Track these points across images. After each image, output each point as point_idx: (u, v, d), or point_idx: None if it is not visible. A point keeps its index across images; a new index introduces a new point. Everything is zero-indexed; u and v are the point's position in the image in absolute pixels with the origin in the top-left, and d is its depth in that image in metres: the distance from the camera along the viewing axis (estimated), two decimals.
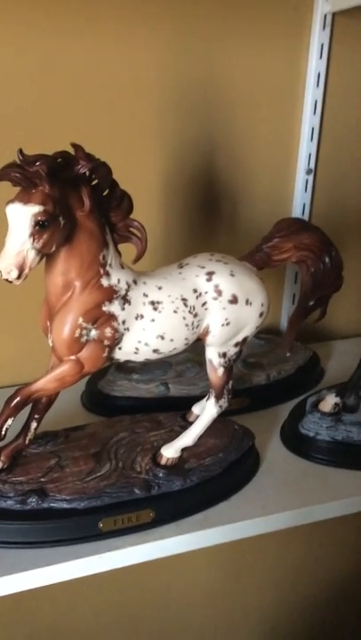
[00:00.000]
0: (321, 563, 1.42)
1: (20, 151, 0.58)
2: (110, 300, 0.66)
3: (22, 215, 0.57)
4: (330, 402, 0.88)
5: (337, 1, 1.01)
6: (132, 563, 0.70)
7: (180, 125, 1.02)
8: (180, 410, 0.85)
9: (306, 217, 1.14)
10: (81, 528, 0.69)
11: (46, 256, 0.62)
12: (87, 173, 0.61)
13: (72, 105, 0.95)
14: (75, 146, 0.60)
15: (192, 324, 0.69)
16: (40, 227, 0.58)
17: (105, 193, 0.65)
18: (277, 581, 1.42)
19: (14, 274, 0.57)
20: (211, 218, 1.09)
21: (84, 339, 0.65)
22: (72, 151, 0.60)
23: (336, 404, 0.88)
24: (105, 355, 0.67)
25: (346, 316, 1.27)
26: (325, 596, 1.46)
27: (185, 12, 0.97)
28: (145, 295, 0.68)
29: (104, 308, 0.65)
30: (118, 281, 0.66)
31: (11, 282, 0.58)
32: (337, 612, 1.49)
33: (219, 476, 0.76)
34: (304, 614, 1.47)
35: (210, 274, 0.70)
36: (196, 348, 0.75)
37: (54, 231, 0.59)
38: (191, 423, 0.78)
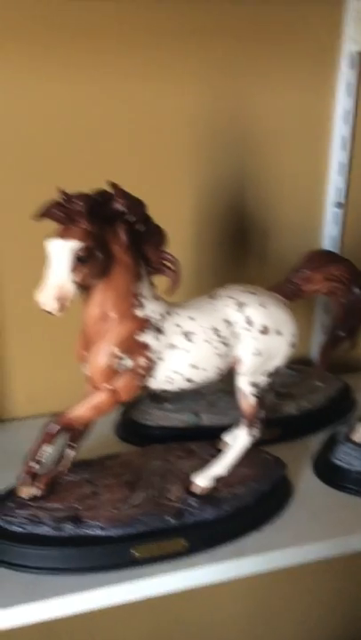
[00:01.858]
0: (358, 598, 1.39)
1: (62, 190, 0.61)
2: (144, 331, 0.68)
3: (63, 250, 0.60)
4: None
5: None
6: (165, 591, 0.70)
7: (210, 161, 1.05)
8: (211, 439, 0.86)
9: (336, 250, 1.15)
10: (115, 555, 0.70)
11: (83, 288, 0.65)
12: (124, 210, 0.64)
13: (107, 143, 0.98)
14: (112, 184, 0.64)
15: (224, 353, 0.71)
16: (80, 261, 0.61)
17: (140, 228, 0.67)
18: (312, 616, 1.39)
19: (55, 305, 0.60)
20: (241, 250, 1.12)
21: (119, 368, 0.67)
22: (110, 189, 0.64)
23: None
24: (139, 384, 0.69)
25: None
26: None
27: (215, 51, 1.01)
28: (178, 326, 0.70)
29: (138, 338, 0.67)
30: (152, 312, 0.69)
31: (51, 313, 0.61)
32: None
33: (251, 506, 0.77)
34: None
35: (241, 305, 0.72)
36: (227, 378, 0.76)
37: (92, 265, 0.62)
38: (222, 452, 0.78)
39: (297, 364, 1.13)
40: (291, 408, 1.00)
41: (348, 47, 1.06)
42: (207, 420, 0.96)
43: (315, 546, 0.75)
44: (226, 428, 0.85)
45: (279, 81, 1.06)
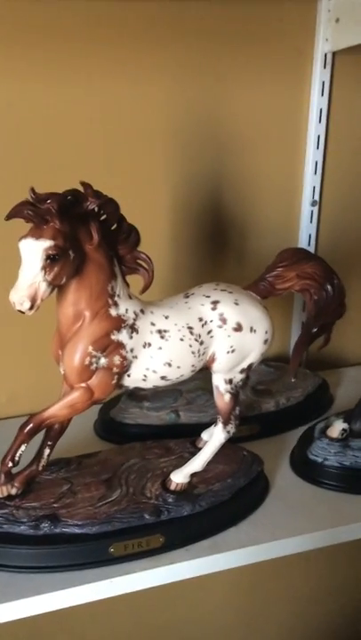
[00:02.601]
0: (341, 590, 1.41)
1: (32, 190, 0.61)
2: (119, 329, 0.68)
3: (34, 249, 0.61)
4: (338, 428, 0.89)
5: (336, 41, 1.05)
6: (142, 587, 0.71)
7: (186, 161, 1.06)
8: (190, 437, 0.86)
9: (312, 247, 1.16)
10: (92, 553, 0.70)
11: (57, 288, 0.65)
12: (96, 209, 0.65)
13: (82, 144, 0.99)
14: (84, 184, 0.64)
15: (198, 351, 0.72)
16: (51, 260, 0.61)
17: (113, 227, 0.68)
18: (296, 609, 1.40)
19: (27, 305, 0.60)
20: (218, 249, 1.13)
21: (93, 366, 0.68)
22: (81, 189, 0.64)
23: (344, 430, 0.89)
24: (114, 382, 0.70)
25: (355, 344, 1.29)
26: (345, 622, 1.44)
27: (191, 53, 1.01)
28: (152, 324, 0.70)
29: (113, 337, 0.68)
30: (126, 310, 0.69)
31: (23, 312, 0.61)
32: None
33: (228, 502, 0.77)
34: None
35: (215, 303, 0.73)
36: (206, 375, 0.77)
37: (64, 264, 0.62)
38: (200, 449, 0.79)
39: (275, 360, 1.14)
40: (269, 405, 1.01)
41: (321, 47, 1.07)
42: (186, 417, 0.97)
43: (291, 540, 0.76)
44: (204, 425, 0.85)
45: (254, 80, 1.07)
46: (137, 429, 0.96)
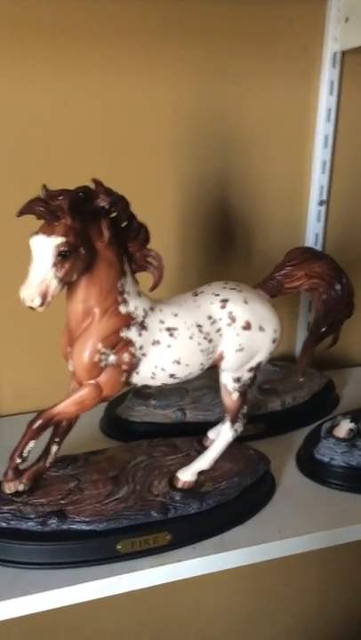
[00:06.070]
0: (346, 589, 1.41)
1: (44, 186, 0.62)
2: (128, 327, 0.68)
3: (45, 246, 0.61)
4: (344, 427, 0.89)
5: (346, 40, 1.05)
6: (149, 584, 0.71)
7: (195, 160, 1.06)
8: (196, 435, 0.86)
9: (319, 247, 1.16)
10: (99, 550, 0.70)
11: (67, 285, 0.65)
12: (107, 206, 0.65)
13: (90, 143, 0.99)
14: (95, 181, 0.64)
15: (207, 349, 0.72)
16: (62, 257, 0.61)
17: (123, 224, 0.68)
18: (301, 608, 1.40)
19: (37, 301, 0.60)
20: (226, 248, 1.13)
21: (102, 364, 0.68)
22: (93, 186, 0.64)
23: (351, 430, 0.88)
24: (123, 379, 0.70)
25: None
26: (351, 622, 1.44)
27: (200, 51, 1.01)
28: (161, 322, 0.70)
29: (122, 334, 0.68)
30: (135, 308, 0.69)
31: (34, 309, 0.61)
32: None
33: (234, 500, 0.77)
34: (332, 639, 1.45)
35: (224, 301, 0.73)
36: (212, 374, 0.77)
37: (75, 261, 0.62)
38: (207, 448, 0.79)
39: (281, 360, 1.14)
40: (275, 404, 1.01)
41: (330, 46, 1.07)
42: (192, 416, 0.97)
43: (297, 539, 0.76)
44: (210, 424, 0.85)
45: (262, 79, 1.06)
46: (143, 427, 0.96)
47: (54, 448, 0.74)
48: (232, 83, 1.05)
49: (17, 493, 0.72)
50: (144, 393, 1.00)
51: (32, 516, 0.70)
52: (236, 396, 0.75)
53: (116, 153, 1.01)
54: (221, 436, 0.77)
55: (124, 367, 0.69)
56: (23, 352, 1.05)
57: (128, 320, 0.68)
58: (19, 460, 0.70)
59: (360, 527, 0.79)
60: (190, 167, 1.06)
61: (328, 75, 1.08)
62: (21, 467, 0.72)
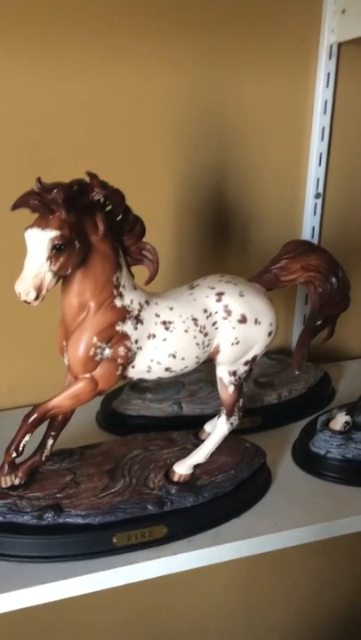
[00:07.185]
0: (342, 583, 1.42)
1: (39, 179, 0.61)
2: (123, 320, 0.68)
3: (40, 239, 0.60)
4: (340, 420, 0.89)
5: (342, 32, 1.04)
6: (145, 577, 0.71)
7: (191, 153, 1.05)
8: (192, 428, 0.86)
9: (315, 240, 1.16)
10: (95, 543, 0.70)
11: (62, 278, 0.65)
12: (101, 200, 0.64)
13: (85, 136, 0.98)
14: (90, 174, 0.64)
15: (203, 342, 0.72)
16: (57, 250, 0.61)
17: (118, 218, 0.68)
18: (297, 601, 1.41)
19: (32, 295, 0.60)
20: (222, 241, 1.12)
21: (98, 357, 0.68)
22: (87, 179, 0.64)
23: (346, 423, 0.89)
24: (118, 373, 0.70)
25: (357, 337, 1.29)
26: (346, 614, 1.45)
27: (196, 43, 1.01)
28: (157, 315, 0.70)
29: (117, 328, 0.68)
30: (131, 302, 0.69)
31: (29, 303, 0.61)
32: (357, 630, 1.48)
33: (230, 493, 0.78)
34: (327, 632, 1.46)
35: (220, 294, 0.72)
36: (209, 368, 0.77)
37: (70, 254, 0.62)
38: (203, 441, 0.79)
39: (277, 353, 1.14)
40: (271, 397, 1.01)
41: (327, 38, 1.06)
42: (188, 409, 0.97)
43: (293, 532, 0.76)
44: (207, 417, 0.86)
45: (259, 72, 1.06)
46: (139, 421, 0.96)
47: (50, 442, 0.74)
48: (228, 74, 1.04)
49: (13, 487, 0.72)
50: (140, 386, 1.00)
51: (28, 510, 0.70)
52: (231, 389, 0.75)
53: (112, 146, 1.00)
54: (217, 430, 0.77)
55: (120, 361, 0.69)
56: (19, 346, 1.05)
57: (124, 314, 0.68)
58: (14, 454, 0.70)
59: (356, 519, 0.79)
60: (186, 160, 1.05)
61: (325, 67, 1.08)
62: (17, 460, 0.72)
